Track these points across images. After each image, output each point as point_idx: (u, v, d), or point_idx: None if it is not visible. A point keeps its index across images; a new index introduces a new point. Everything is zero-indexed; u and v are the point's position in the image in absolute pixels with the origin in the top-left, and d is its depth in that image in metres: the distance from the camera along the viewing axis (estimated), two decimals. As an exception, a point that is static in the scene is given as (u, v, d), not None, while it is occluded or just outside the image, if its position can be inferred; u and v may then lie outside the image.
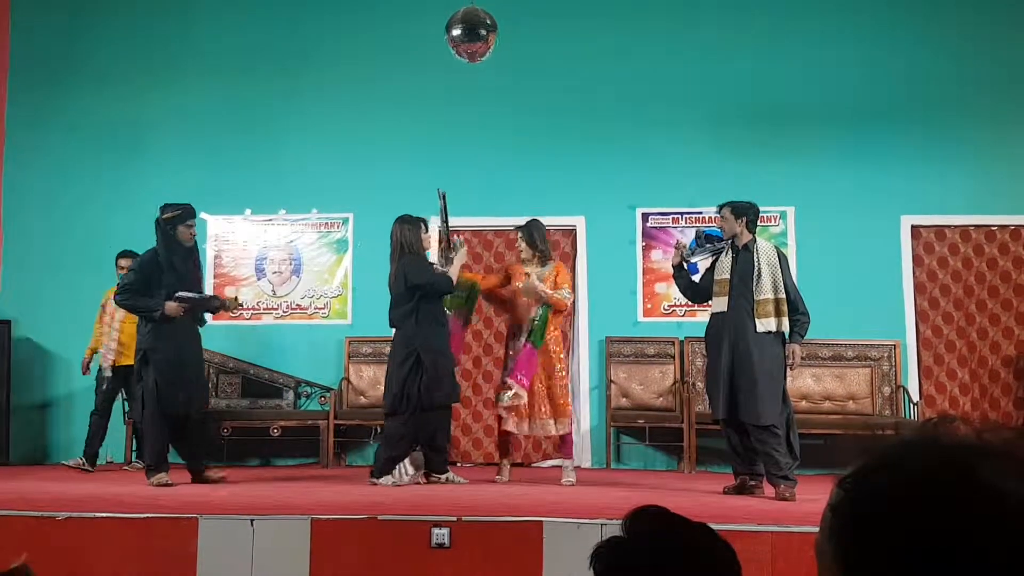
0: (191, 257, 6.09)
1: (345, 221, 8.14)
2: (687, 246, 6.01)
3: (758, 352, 5.40)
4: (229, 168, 8.17)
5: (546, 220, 8.03)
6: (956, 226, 7.90)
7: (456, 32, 5.89)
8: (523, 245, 6.20)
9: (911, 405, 7.46)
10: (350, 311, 8.05)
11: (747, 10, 8.14)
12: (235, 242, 8.16)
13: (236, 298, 6.29)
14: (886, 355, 7.64)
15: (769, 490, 5.38)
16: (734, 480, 5.65)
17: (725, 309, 5.57)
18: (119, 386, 7.13)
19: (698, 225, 7.79)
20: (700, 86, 8.07)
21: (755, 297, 5.45)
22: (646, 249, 7.93)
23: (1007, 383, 7.75)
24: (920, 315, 7.83)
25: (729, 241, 5.70)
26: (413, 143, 8.09)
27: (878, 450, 0.83)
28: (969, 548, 0.75)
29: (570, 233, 8.10)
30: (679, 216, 8.02)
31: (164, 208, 6.00)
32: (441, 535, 4.03)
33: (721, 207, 5.76)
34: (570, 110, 8.08)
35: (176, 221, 5.94)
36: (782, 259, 5.58)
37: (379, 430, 7.72)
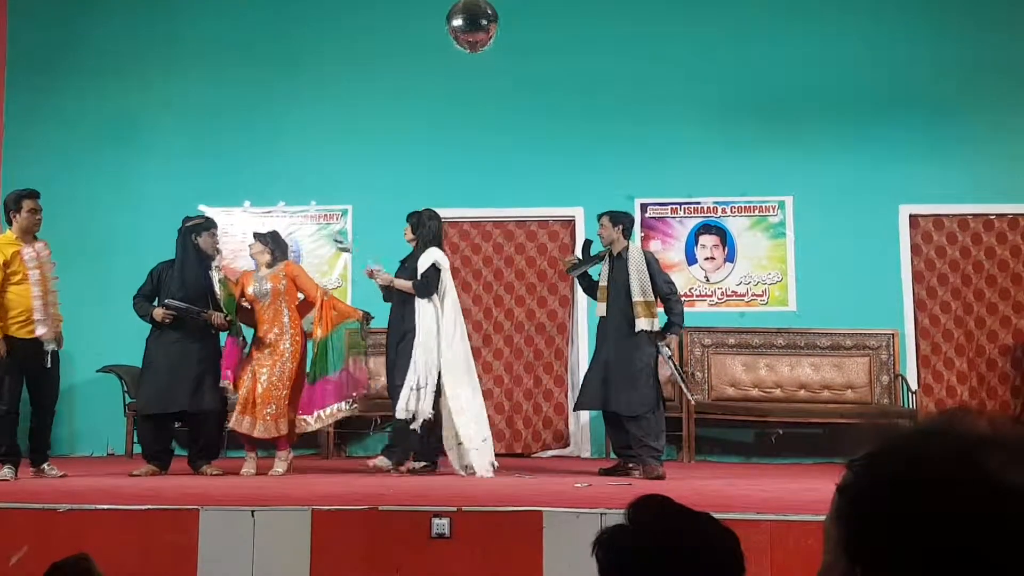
0: (207, 267, 6.13)
1: (344, 213, 8.14)
2: (575, 258, 6.41)
3: (631, 350, 5.89)
4: (228, 160, 8.16)
5: (545, 211, 8.11)
6: (954, 215, 7.91)
7: (457, 22, 5.86)
8: (259, 247, 6.30)
9: (909, 394, 7.48)
10: (349, 303, 8.03)
11: (746, 0, 8.13)
12: (234, 234, 8.15)
13: (228, 318, 6.05)
14: (884, 344, 7.66)
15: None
16: (616, 463, 6.14)
17: (605, 314, 6.06)
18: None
19: (699, 217, 7.83)
20: (699, 76, 8.06)
21: (632, 299, 5.89)
22: (645, 240, 7.92)
23: (1004, 372, 7.77)
24: (918, 304, 7.84)
25: (606, 251, 6.14)
26: (412, 134, 8.08)
27: (891, 435, 0.84)
28: (972, 539, 0.75)
29: (569, 224, 8.11)
30: (678, 206, 8.03)
31: (187, 219, 6.18)
32: (441, 525, 4.04)
33: (600, 216, 6.20)
34: (569, 101, 8.07)
35: (200, 228, 6.10)
36: (651, 263, 6.02)
37: (379, 421, 7.74)
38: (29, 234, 5.76)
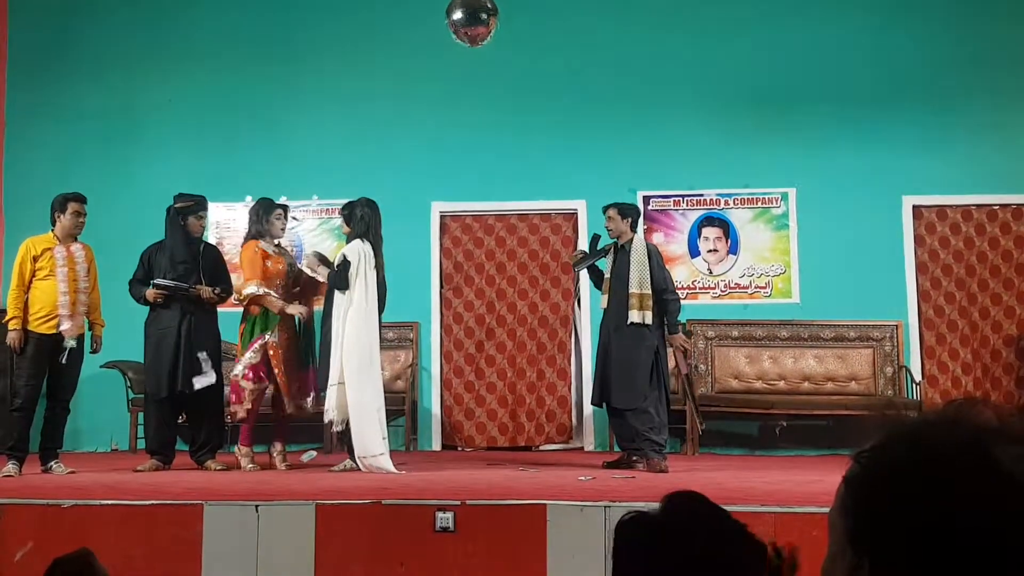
0: (194, 247, 6.15)
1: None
2: (581, 252, 6.45)
3: (626, 342, 5.88)
4: (229, 155, 8.16)
5: (547, 204, 8.10)
6: (958, 205, 7.89)
7: (457, 16, 5.84)
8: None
9: (913, 385, 7.47)
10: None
11: (747, -9, 8.12)
12: (236, 229, 8.15)
13: (215, 291, 6.05)
14: (888, 335, 7.65)
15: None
16: (620, 456, 6.09)
17: (607, 306, 6.06)
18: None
19: (702, 209, 7.82)
20: (701, 68, 8.05)
21: (628, 291, 5.89)
22: (648, 232, 7.91)
23: (1009, 362, 7.75)
24: (922, 295, 7.83)
25: (611, 244, 6.12)
26: (413, 128, 8.08)
27: (897, 426, 0.84)
28: (977, 528, 0.75)
29: (571, 217, 8.10)
30: (680, 199, 8.02)
31: (178, 197, 6.15)
32: (445, 519, 4.05)
33: (606, 208, 6.14)
34: (571, 93, 8.06)
35: (188, 212, 6.09)
36: (653, 256, 5.98)
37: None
38: (70, 237, 5.87)
